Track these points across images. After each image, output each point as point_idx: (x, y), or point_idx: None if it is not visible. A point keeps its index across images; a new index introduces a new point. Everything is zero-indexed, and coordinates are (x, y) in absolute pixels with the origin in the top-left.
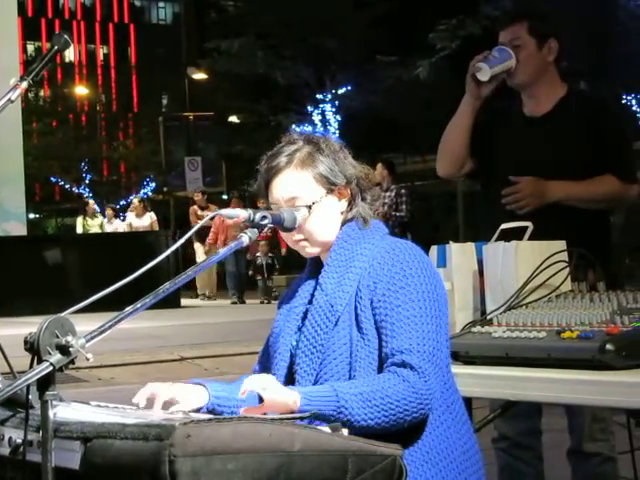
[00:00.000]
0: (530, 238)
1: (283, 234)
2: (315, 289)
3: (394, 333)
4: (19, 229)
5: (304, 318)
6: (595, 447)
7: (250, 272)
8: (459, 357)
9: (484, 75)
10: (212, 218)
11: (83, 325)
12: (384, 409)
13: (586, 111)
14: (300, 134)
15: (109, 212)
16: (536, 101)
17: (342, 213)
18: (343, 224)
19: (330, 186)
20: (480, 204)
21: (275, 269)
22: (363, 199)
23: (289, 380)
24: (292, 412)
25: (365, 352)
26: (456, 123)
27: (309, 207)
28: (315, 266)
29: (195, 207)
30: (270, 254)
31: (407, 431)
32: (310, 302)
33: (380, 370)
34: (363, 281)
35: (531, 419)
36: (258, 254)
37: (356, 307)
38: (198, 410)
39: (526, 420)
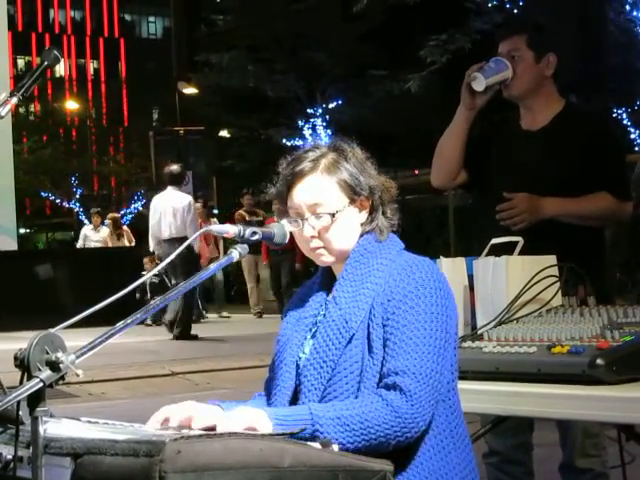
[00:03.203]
0: (524, 253)
1: (300, 241)
2: (326, 301)
3: (394, 353)
4: (9, 244)
5: (313, 330)
6: (587, 463)
7: (137, 294)
8: None
9: (479, 85)
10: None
11: (74, 340)
12: (363, 433)
13: (583, 127)
14: (325, 143)
15: (95, 219)
16: (533, 114)
17: (362, 225)
18: (360, 236)
19: (353, 196)
20: (474, 218)
21: (166, 288)
22: (383, 213)
23: (294, 392)
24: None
25: (373, 372)
26: (450, 133)
27: (332, 215)
28: (326, 276)
29: (242, 212)
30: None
31: (407, 454)
32: (323, 314)
33: None
34: (378, 298)
35: (522, 434)
36: (143, 272)
37: (369, 325)
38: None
39: (517, 435)
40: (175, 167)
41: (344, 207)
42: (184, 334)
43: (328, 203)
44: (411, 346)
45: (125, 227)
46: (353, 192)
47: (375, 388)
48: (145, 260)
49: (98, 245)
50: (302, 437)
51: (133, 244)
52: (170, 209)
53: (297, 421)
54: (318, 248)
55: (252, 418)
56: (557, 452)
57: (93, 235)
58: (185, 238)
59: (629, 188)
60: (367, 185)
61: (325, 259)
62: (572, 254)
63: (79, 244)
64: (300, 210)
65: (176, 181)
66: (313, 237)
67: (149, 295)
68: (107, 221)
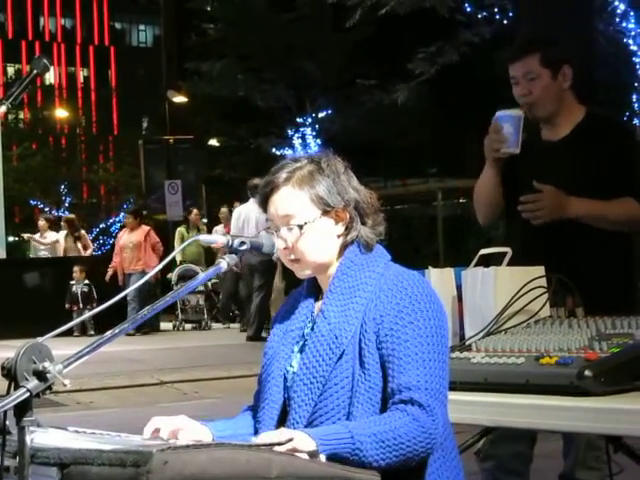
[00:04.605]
0: (549, 258)
1: (281, 254)
2: (313, 313)
3: (402, 369)
4: None
5: (300, 343)
6: (587, 475)
7: (67, 304)
8: None
9: (515, 151)
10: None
11: (63, 349)
12: (395, 449)
13: (605, 134)
14: (307, 155)
15: (42, 223)
16: (553, 126)
17: (339, 236)
18: (343, 248)
19: (326, 207)
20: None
21: (93, 299)
22: (363, 223)
23: (282, 406)
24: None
25: (365, 387)
26: (483, 181)
27: (300, 227)
28: (312, 287)
29: None
30: (87, 281)
31: (397, 469)
32: (310, 327)
33: (383, 405)
34: (369, 313)
35: (520, 444)
36: (73, 282)
37: (360, 340)
38: None
39: (514, 444)
40: (258, 180)
41: (314, 219)
42: (257, 336)
43: (299, 215)
44: (418, 361)
45: (83, 231)
46: (325, 204)
47: (369, 403)
48: (75, 269)
49: (46, 253)
50: (342, 457)
51: (89, 251)
52: (253, 219)
53: (338, 440)
54: (293, 261)
55: (295, 442)
56: (556, 463)
57: (41, 241)
58: None
59: None
60: (342, 196)
61: (302, 272)
62: (600, 261)
63: (32, 254)
64: (274, 220)
65: None
66: (286, 249)
67: (81, 305)
68: (63, 224)
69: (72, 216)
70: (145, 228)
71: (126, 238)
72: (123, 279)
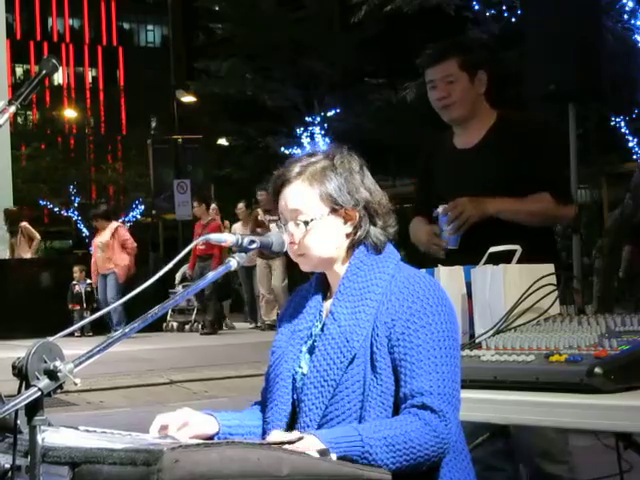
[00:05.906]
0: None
1: (288, 248)
2: (321, 312)
3: (414, 373)
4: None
5: (309, 342)
6: (557, 469)
7: (69, 304)
8: None
9: (455, 248)
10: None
11: (65, 349)
12: (406, 453)
13: (517, 136)
14: (324, 150)
15: None
16: (467, 133)
17: (348, 236)
18: (351, 248)
19: (334, 205)
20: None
21: (94, 299)
22: (374, 224)
23: (291, 406)
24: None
25: (377, 391)
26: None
27: (307, 223)
28: (321, 284)
29: (259, 210)
30: (89, 281)
31: (413, 473)
32: (319, 328)
33: (395, 409)
34: (380, 316)
35: (496, 443)
36: (74, 282)
37: (372, 344)
38: (212, 438)
39: (491, 445)
40: None
41: (321, 216)
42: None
43: (306, 211)
44: (430, 366)
45: (24, 223)
46: (334, 203)
47: (381, 408)
48: (75, 269)
49: None
50: (351, 459)
51: (35, 242)
52: None
53: (347, 443)
54: (297, 255)
55: (305, 443)
56: None
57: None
58: None
59: (569, 191)
60: (352, 196)
61: (304, 267)
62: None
63: None
64: (283, 214)
65: None
66: (292, 243)
67: (85, 304)
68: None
69: (12, 208)
70: (112, 226)
71: (97, 238)
72: (95, 280)
